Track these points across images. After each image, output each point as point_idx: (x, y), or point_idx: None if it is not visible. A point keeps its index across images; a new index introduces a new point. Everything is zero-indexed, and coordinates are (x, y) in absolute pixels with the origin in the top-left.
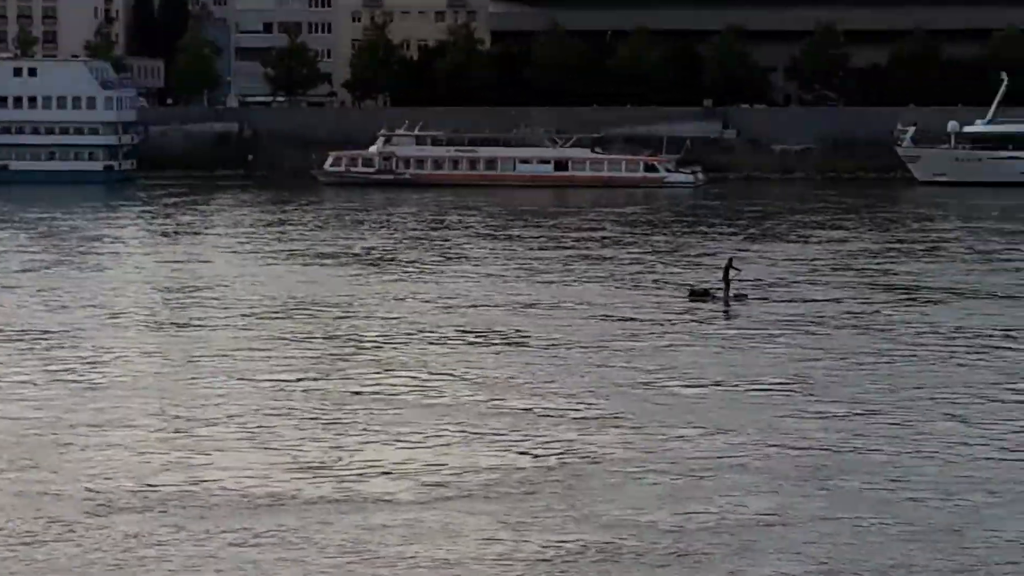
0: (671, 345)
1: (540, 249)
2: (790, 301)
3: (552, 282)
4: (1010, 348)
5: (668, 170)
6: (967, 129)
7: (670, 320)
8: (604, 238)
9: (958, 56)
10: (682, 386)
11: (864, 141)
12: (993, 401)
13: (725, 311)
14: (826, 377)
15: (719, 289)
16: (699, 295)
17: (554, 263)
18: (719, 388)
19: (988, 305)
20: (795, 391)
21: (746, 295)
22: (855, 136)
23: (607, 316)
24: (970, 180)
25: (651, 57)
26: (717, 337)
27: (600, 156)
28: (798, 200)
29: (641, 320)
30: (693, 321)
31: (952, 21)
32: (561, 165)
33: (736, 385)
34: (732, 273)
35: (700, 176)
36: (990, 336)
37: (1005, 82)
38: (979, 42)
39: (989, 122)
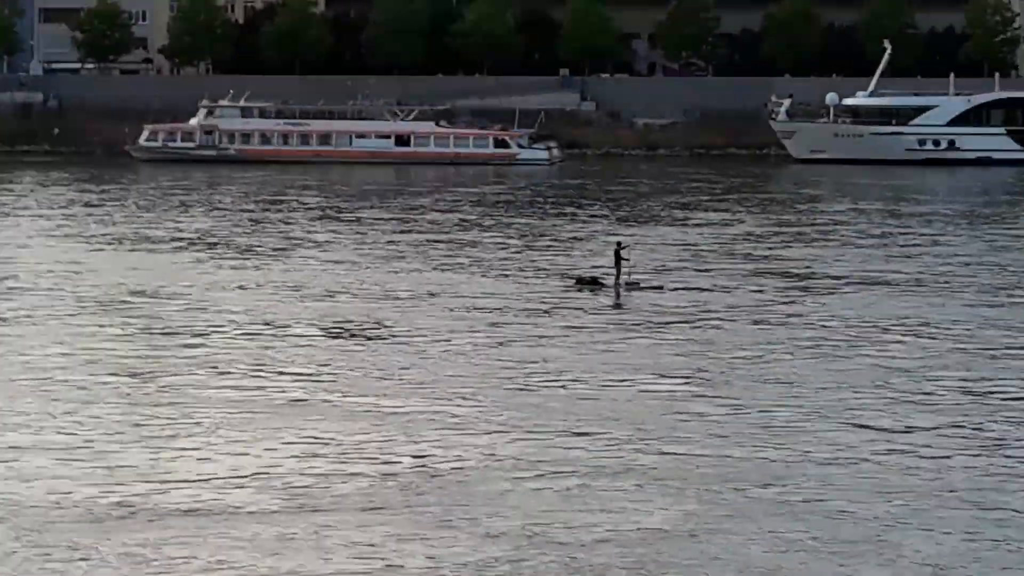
0: (558, 338)
1: (394, 232)
2: (686, 289)
3: (413, 269)
4: (914, 341)
5: (521, 146)
6: (847, 102)
7: (556, 311)
8: (462, 220)
9: (838, 22)
10: (572, 382)
11: (735, 115)
12: (901, 400)
13: (617, 301)
14: (729, 374)
15: (609, 276)
16: (587, 283)
17: (411, 248)
18: (613, 385)
19: (889, 294)
20: (696, 389)
21: (638, 283)
22: (725, 109)
23: (482, 307)
24: (851, 157)
25: (501, 22)
26: (609, 329)
27: (446, 130)
28: (666, 179)
29: (522, 311)
30: (582, 312)
31: None
32: (403, 140)
33: (632, 382)
34: (625, 254)
35: (556, 152)
36: (894, 328)
37: (888, 51)
38: (860, 6)
39: (871, 94)
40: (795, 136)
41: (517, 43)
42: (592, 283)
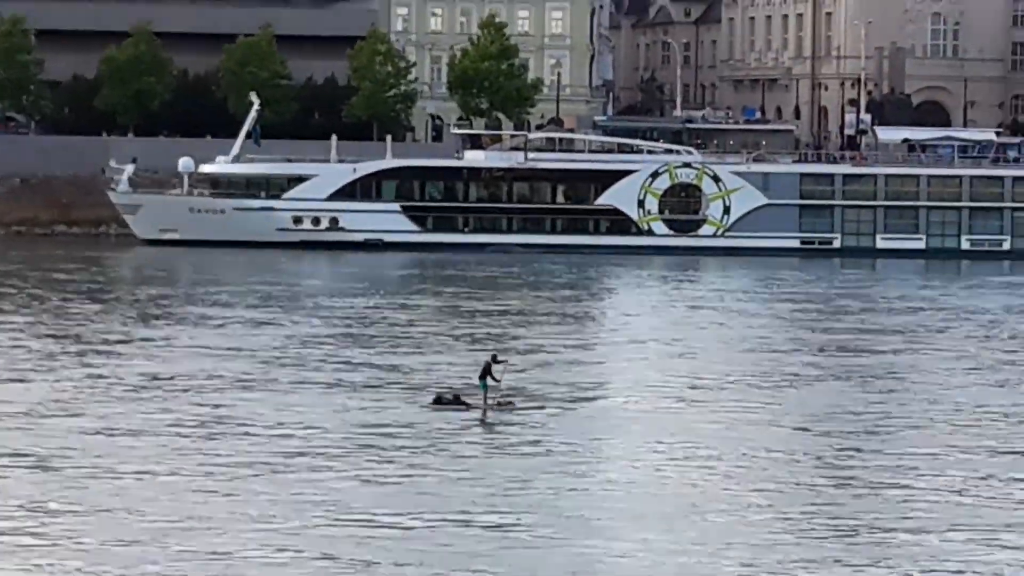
0: (410, 474)
1: None
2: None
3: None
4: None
5: None
6: (206, 169)
7: (405, 437)
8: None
9: (193, 69)
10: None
11: (65, 183)
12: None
13: (484, 422)
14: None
15: (474, 395)
16: (448, 402)
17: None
18: (474, 536)
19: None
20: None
21: (513, 402)
22: (53, 176)
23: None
24: (211, 238)
25: None
26: (471, 461)
27: None
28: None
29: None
30: (439, 438)
31: (185, 22)
32: None
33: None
34: (497, 371)
35: None
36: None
37: (256, 106)
38: (219, 51)
39: (235, 160)
40: (140, 211)
41: None
42: (454, 402)
